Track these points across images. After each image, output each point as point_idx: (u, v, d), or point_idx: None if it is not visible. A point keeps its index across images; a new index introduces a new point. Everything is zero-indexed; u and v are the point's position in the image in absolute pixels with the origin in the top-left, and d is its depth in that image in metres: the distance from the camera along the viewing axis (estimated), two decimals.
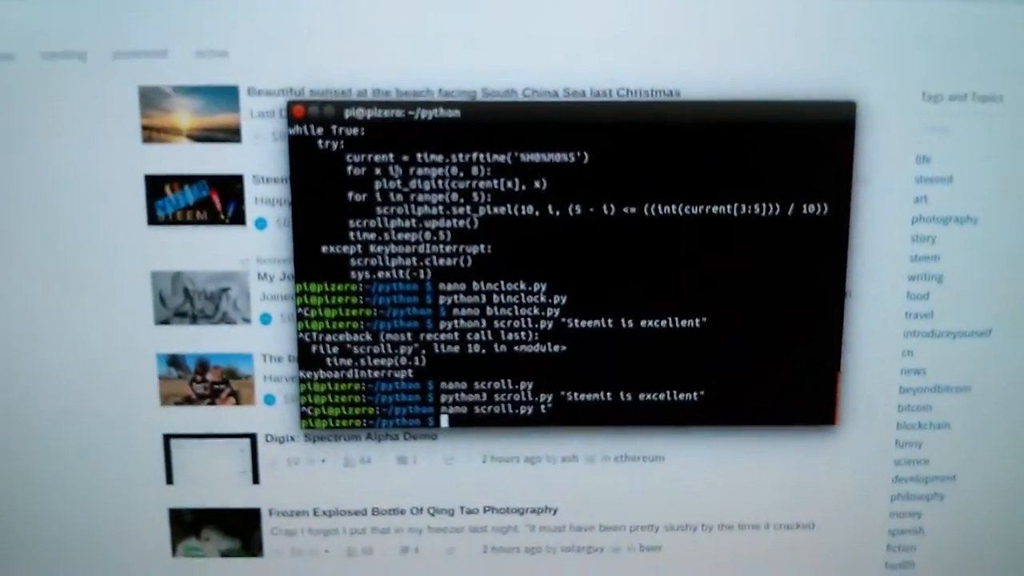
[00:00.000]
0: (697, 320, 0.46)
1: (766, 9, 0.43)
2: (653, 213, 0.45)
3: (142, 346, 0.47)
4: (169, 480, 0.48)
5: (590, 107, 0.44)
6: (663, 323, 0.46)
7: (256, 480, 0.48)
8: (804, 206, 0.45)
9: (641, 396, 0.47)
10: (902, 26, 0.43)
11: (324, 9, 0.43)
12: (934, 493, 0.49)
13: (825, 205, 0.45)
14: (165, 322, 0.46)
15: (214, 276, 0.46)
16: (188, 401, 0.47)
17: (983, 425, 0.48)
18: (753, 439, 0.48)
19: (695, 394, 0.47)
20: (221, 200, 0.45)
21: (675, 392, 0.47)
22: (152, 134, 0.44)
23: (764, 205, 0.45)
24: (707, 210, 0.45)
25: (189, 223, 0.45)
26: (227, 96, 0.44)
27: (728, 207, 0.45)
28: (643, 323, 0.46)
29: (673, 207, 0.45)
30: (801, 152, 0.44)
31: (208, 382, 0.47)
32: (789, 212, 0.45)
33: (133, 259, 0.46)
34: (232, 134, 0.44)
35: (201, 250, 0.46)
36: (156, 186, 0.45)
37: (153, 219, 0.45)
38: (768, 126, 0.44)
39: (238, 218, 0.45)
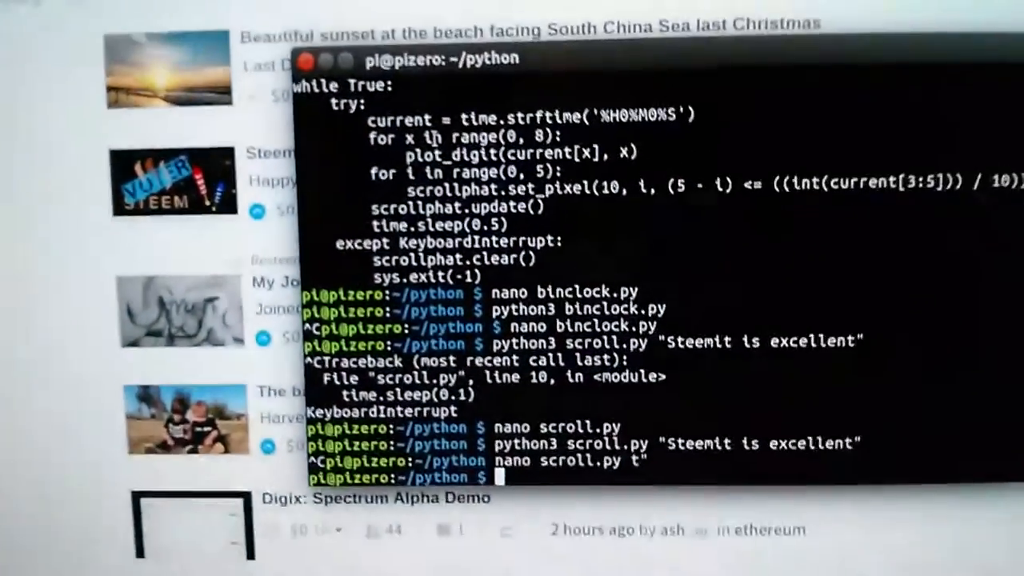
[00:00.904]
0: (850, 338, 0.40)
1: None
2: (785, 189, 0.39)
3: (104, 376, 0.42)
4: (139, 553, 0.44)
5: (696, 46, 0.39)
6: (802, 342, 0.40)
7: (251, 555, 0.43)
8: (996, 177, 0.39)
9: (772, 444, 0.41)
10: None
11: None
12: None
13: (1023, 176, 0.39)
14: (134, 343, 0.42)
15: (197, 282, 0.41)
16: (164, 448, 0.43)
17: None
18: (933, 503, 0.42)
19: (848, 441, 0.41)
20: (206, 181, 0.40)
21: (820, 439, 0.41)
22: (119, 96, 0.40)
23: (941, 176, 0.39)
24: (861, 184, 0.39)
25: (165, 212, 0.41)
26: (214, 44, 0.39)
27: (890, 179, 0.39)
28: (773, 342, 0.40)
29: (814, 181, 0.39)
30: (991, 104, 0.38)
31: (189, 423, 0.42)
32: (975, 185, 0.39)
33: (93, 260, 0.42)
34: (221, 94, 0.40)
35: (180, 248, 0.41)
36: (124, 164, 0.41)
37: (120, 208, 0.41)
38: (945, 68, 0.38)
39: (228, 205, 0.41)
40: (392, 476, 0.41)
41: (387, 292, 0.40)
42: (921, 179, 0.38)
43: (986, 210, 0.39)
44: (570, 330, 0.40)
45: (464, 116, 0.39)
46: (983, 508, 0.41)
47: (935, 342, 0.40)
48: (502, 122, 0.39)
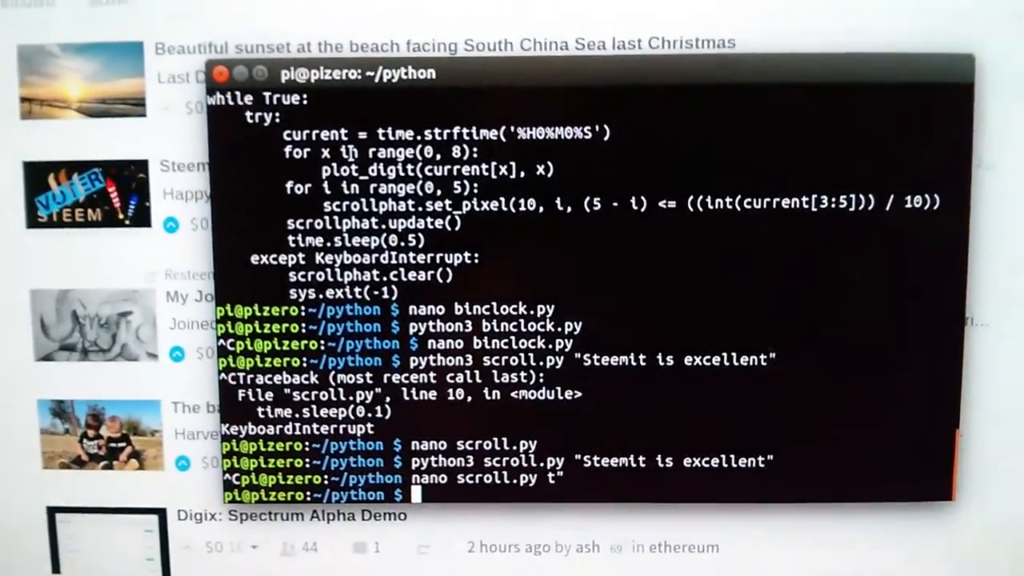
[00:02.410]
0: (762, 356, 0.39)
1: None
2: (700, 209, 0.38)
3: (17, 390, 0.41)
4: (55, 568, 0.42)
5: (612, 64, 0.38)
6: (715, 360, 0.39)
7: (167, 572, 0.42)
8: (906, 198, 0.38)
9: (686, 462, 0.40)
10: None
11: None
12: None
13: (934, 197, 0.38)
14: (48, 357, 0.41)
15: (111, 296, 0.40)
16: (78, 463, 0.42)
17: None
18: (839, 521, 0.41)
19: (759, 459, 0.40)
20: (120, 194, 0.39)
21: (732, 457, 0.40)
22: (33, 107, 0.39)
23: (853, 197, 0.38)
24: (774, 204, 0.38)
25: (79, 225, 0.40)
26: (129, 55, 0.38)
27: (803, 200, 0.38)
28: (687, 360, 0.39)
29: (728, 200, 0.38)
30: (901, 125, 0.38)
31: (103, 438, 0.41)
32: (887, 207, 0.38)
33: (6, 274, 0.40)
34: (134, 106, 0.39)
35: (94, 262, 0.40)
36: (37, 177, 0.39)
37: (33, 220, 0.40)
38: (855, 89, 0.38)
39: (142, 218, 0.39)
40: (308, 493, 0.40)
41: (303, 308, 0.39)
42: (834, 199, 0.37)
43: (897, 231, 0.38)
44: (487, 347, 0.39)
45: (380, 131, 0.38)
46: (896, 527, 0.40)
47: (847, 361, 0.39)
48: (419, 137, 0.37)
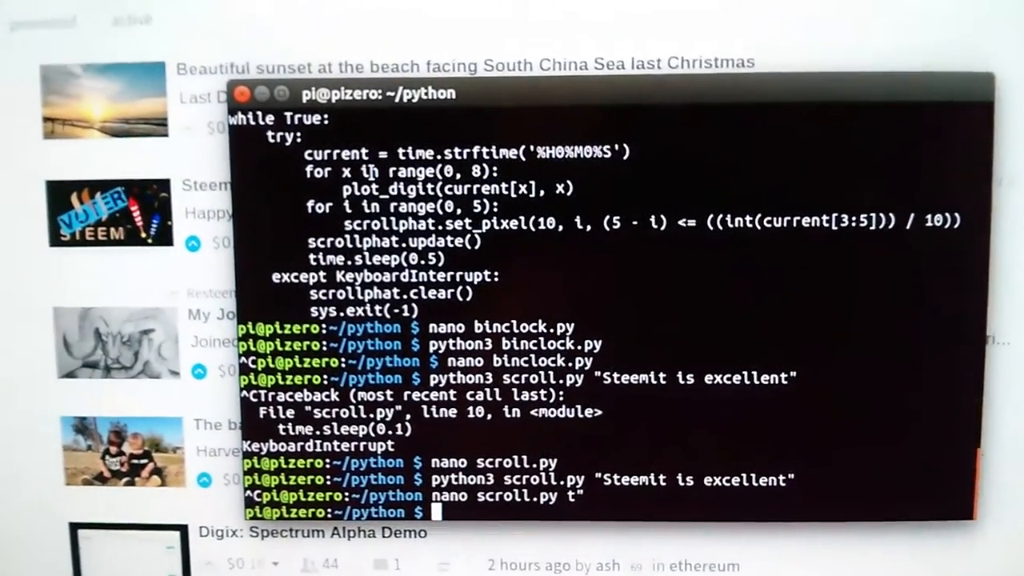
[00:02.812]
0: (783, 376, 0.39)
1: None
2: (719, 227, 0.38)
3: (41, 407, 0.41)
4: None
5: (631, 84, 0.37)
6: (736, 379, 0.39)
7: None
8: (927, 217, 0.38)
9: (706, 481, 0.39)
10: None
11: None
12: None
13: (956, 215, 0.38)
14: (71, 375, 0.40)
15: (133, 314, 0.40)
16: (100, 480, 0.41)
17: None
18: (860, 541, 0.40)
19: (780, 478, 0.39)
20: (143, 213, 0.39)
21: (754, 476, 0.39)
22: (56, 127, 0.39)
23: (873, 216, 0.38)
24: (794, 223, 0.38)
25: (102, 244, 0.39)
26: (151, 75, 0.38)
27: (823, 219, 0.38)
28: (708, 379, 0.39)
29: (748, 219, 0.38)
30: (921, 143, 0.37)
31: (125, 455, 0.41)
32: (907, 225, 0.38)
33: (30, 292, 0.40)
34: (157, 125, 0.38)
35: (117, 280, 0.40)
36: (60, 196, 0.39)
37: (56, 239, 0.39)
38: (876, 108, 0.37)
39: (164, 237, 0.39)
40: (328, 510, 0.40)
41: (324, 326, 0.38)
42: (854, 218, 0.37)
43: (918, 250, 0.37)
44: (507, 365, 0.38)
45: (401, 150, 0.37)
46: (916, 545, 0.39)
47: (868, 380, 0.38)
48: (439, 157, 0.37)
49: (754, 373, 0.38)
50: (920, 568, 0.40)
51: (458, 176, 0.37)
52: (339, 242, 0.38)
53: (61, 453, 0.40)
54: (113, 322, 0.39)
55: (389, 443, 0.39)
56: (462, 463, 0.39)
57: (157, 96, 0.38)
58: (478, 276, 0.38)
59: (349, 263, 0.38)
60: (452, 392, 0.39)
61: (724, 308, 0.38)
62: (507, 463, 0.39)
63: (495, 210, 0.37)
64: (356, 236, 0.38)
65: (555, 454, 0.39)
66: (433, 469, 0.39)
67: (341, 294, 0.38)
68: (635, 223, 0.37)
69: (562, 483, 0.39)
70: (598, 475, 0.39)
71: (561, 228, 0.37)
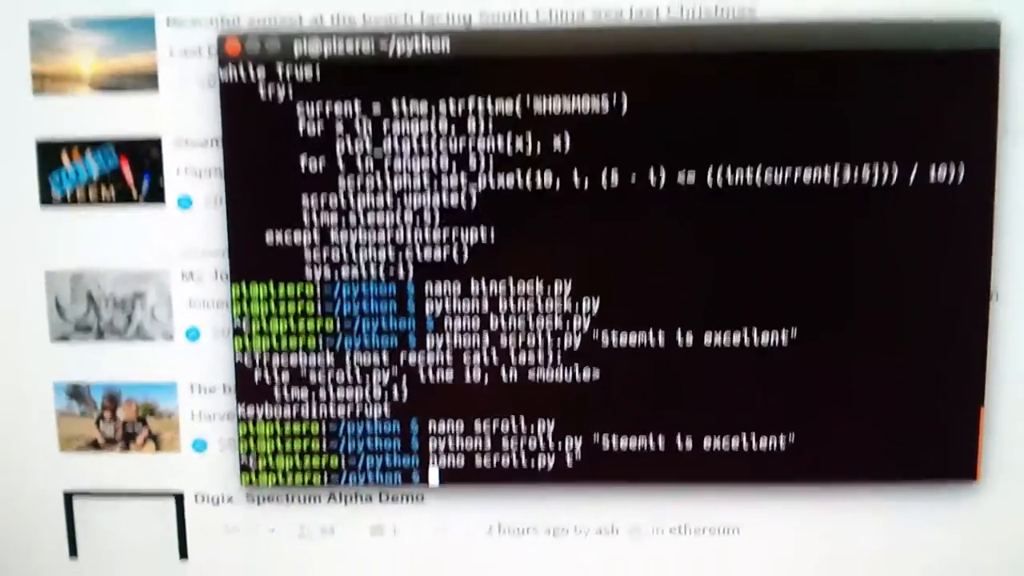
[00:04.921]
0: (783, 334, 0.37)
1: None
2: (719, 182, 0.36)
3: (34, 372, 0.40)
4: (72, 552, 0.41)
5: (629, 34, 0.36)
6: (735, 339, 0.37)
7: (184, 554, 0.41)
8: (931, 169, 0.36)
9: (706, 442, 0.38)
10: None
11: None
12: None
13: (959, 167, 0.36)
14: (63, 338, 0.39)
15: (125, 276, 0.38)
16: (94, 446, 0.40)
17: None
18: (861, 502, 0.40)
19: (781, 439, 0.38)
20: (133, 171, 0.37)
21: (753, 437, 0.38)
22: (45, 84, 0.37)
23: (875, 168, 0.36)
24: (795, 176, 0.36)
25: (92, 203, 0.38)
26: (140, 29, 0.36)
27: (824, 171, 0.36)
28: (706, 339, 0.37)
29: (748, 173, 0.36)
30: (925, 93, 0.36)
31: (119, 420, 0.39)
32: (910, 179, 0.36)
33: (21, 254, 0.39)
34: (147, 81, 0.37)
35: (108, 241, 0.38)
36: (50, 154, 0.38)
37: (47, 198, 0.38)
38: (878, 57, 0.35)
39: (155, 196, 0.38)
40: (325, 476, 0.39)
41: (319, 286, 0.37)
42: (856, 170, 0.35)
43: (920, 203, 0.36)
44: (504, 326, 0.37)
45: (395, 104, 0.36)
46: (918, 506, 0.39)
47: (869, 339, 0.37)
48: (433, 111, 0.35)
49: (754, 332, 0.37)
50: (923, 529, 0.39)
51: (453, 130, 0.36)
52: (333, 200, 0.36)
53: (55, 419, 0.39)
54: (105, 284, 0.38)
55: (385, 407, 0.38)
56: (459, 426, 0.38)
57: (147, 50, 0.36)
58: (474, 235, 0.36)
59: (343, 222, 0.37)
60: (449, 354, 0.37)
61: (724, 265, 0.37)
62: (504, 426, 0.38)
63: (491, 166, 0.36)
64: (350, 194, 0.36)
65: (553, 416, 0.38)
66: (430, 433, 0.38)
67: (335, 254, 0.37)
68: (633, 178, 0.36)
69: (560, 446, 0.38)
70: (596, 438, 0.38)
71: (558, 185, 0.36)
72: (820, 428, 0.38)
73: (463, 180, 0.36)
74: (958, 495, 0.38)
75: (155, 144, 0.37)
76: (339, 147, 0.36)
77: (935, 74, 0.35)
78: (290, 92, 0.36)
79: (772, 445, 0.37)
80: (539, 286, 0.37)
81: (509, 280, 0.37)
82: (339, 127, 0.36)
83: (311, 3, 0.36)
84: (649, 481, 0.39)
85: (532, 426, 0.38)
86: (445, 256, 0.37)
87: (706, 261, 0.37)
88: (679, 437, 0.38)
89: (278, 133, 0.36)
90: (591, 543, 0.40)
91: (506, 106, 0.36)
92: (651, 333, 0.37)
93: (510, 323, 0.37)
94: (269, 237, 0.37)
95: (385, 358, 0.38)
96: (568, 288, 0.37)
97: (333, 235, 0.37)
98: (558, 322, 0.37)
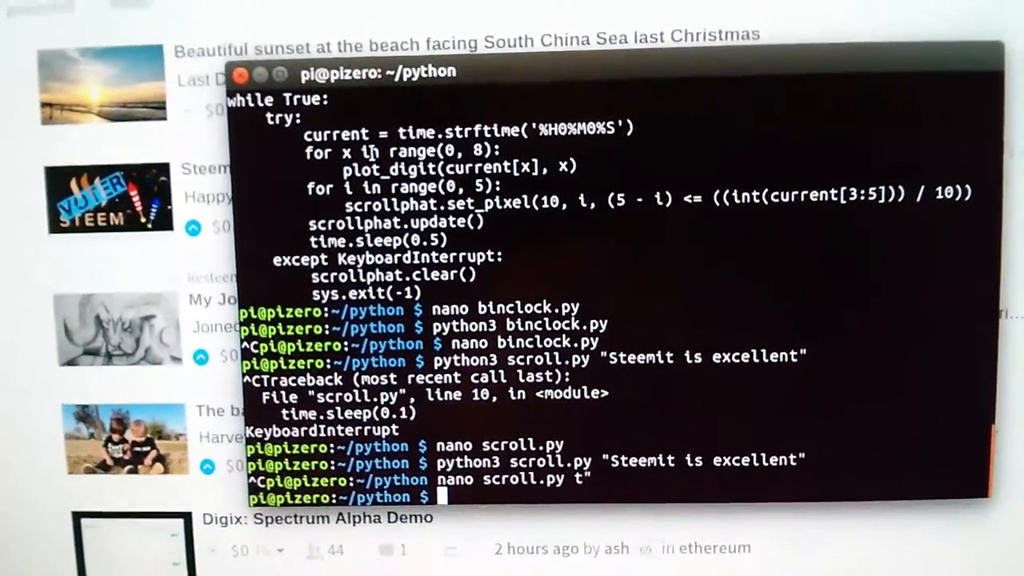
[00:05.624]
0: (792, 353, 0.37)
1: None
2: (726, 203, 0.36)
3: (42, 395, 0.39)
4: (81, 573, 0.41)
5: (634, 58, 0.36)
6: (744, 358, 0.37)
7: (192, 575, 0.40)
8: (938, 189, 0.36)
9: (716, 461, 0.38)
10: None
11: None
12: None
13: (967, 187, 0.36)
14: (72, 362, 0.39)
15: (134, 300, 0.38)
16: (103, 468, 0.40)
17: None
18: (872, 520, 0.39)
19: (791, 458, 0.38)
20: (142, 198, 0.37)
21: (763, 455, 0.38)
22: (54, 112, 0.37)
23: (883, 189, 0.36)
24: (802, 197, 0.36)
25: (101, 230, 0.38)
26: (149, 58, 0.37)
27: (831, 193, 0.36)
28: (716, 358, 0.37)
29: (754, 194, 0.36)
30: (930, 114, 0.36)
31: (128, 442, 0.39)
32: (917, 198, 0.36)
33: (30, 279, 0.39)
34: (155, 109, 0.37)
35: (117, 266, 0.38)
36: (59, 181, 0.38)
37: (56, 225, 0.38)
38: (883, 79, 0.35)
39: (164, 221, 0.38)
40: (333, 496, 0.39)
41: (326, 309, 0.37)
42: (863, 191, 0.35)
43: (928, 223, 0.35)
44: (512, 346, 0.37)
45: (401, 130, 0.36)
46: (930, 524, 0.38)
47: (879, 357, 0.36)
48: (440, 136, 0.35)
49: (763, 351, 0.36)
50: (934, 547, 0.38)
51: (459, 155, 0.36)
52: (340, 224, 0.36)
53: (63, 442, 0.39)
54: (114, 308, 0.38)
55: (393, 427, 0.37)
56: (467, 446, 0.38)
57: (155, 80, 0.36)
58: (481, 256, 0.36)
59: (351, 245, 0.37)
60: (456, 375, 0.37)
61: (731, 285, 0.36)
62: (513, 446, 0.38)
63: (497, 189, 0.36)
64: (357, 218, 0.36)
65: (562, 436, 0.37)
66: (438, 453, 0.38)
67: (343, 277, 0.37)
68: (640, 200, 0.35)
69: (569, 465, 0.38)
70: (605, 457, 0.37)
71: (565, 207, 0.36)
72: (830, 446, 0.37)
73: (470, 203, 0.36)
74: (970, 512, 0.38)
75: (163, 170, 0.37)
76: (346, 172, 0.36)
77: (940, 95, 0.35)
78: (297, 119, 0.36)
79: (782, 463, 0.37)
80: (547, 307, 0.37)
81: (517, 302, 0.37)
82: (346, 153, 0.36)
83: (318, 31, 0.36)
84: (659, 500, 0.39)
85: (541, 446, 0.38)
86: (452, 277, 0.36)
87: (714, 280, 0.36)
88: (688, 455, 0.37)
89: (286, 159, 0.36)
90: (601, 562, 0.39)
91: (512, 130, 0.36)
92: (659, 352, 0.37)
93: (518, 343, 0.37)
94: (277, 261, 0.37)
95: (393, 379, 0.37)
96: (576, 308, 0.36)
97: (340, 258, 0.37)
98: (566, 342, 0.37)
